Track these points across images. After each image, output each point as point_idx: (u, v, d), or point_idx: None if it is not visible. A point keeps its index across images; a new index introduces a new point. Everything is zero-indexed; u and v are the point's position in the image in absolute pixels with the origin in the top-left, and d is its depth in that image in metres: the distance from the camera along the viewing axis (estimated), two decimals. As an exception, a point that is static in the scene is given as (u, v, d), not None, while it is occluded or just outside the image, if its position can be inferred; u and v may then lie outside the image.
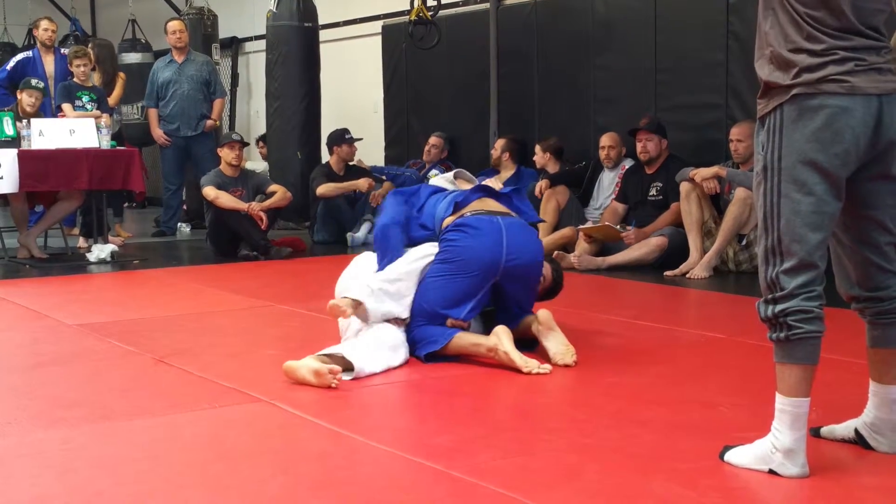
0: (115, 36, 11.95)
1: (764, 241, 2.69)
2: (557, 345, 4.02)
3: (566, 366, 3.94)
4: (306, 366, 3.71)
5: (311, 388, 3.74)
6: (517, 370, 3.85)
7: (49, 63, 9.37)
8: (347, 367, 3.78)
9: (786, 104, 2.62)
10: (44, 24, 9.53)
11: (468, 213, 4.20)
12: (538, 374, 3.84)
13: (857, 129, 2.60)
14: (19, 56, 9.70)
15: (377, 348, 3.94)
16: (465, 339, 4.06)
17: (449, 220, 4.22)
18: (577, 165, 7.83)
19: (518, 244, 4.12)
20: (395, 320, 4.12)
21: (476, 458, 2.89)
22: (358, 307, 3.98)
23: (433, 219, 4.33)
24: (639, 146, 7.08)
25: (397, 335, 4.05)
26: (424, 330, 4.09)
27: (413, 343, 4.10)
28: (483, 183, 4.54)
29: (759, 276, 2.72)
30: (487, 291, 4.17)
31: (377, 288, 4.04)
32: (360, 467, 2.88)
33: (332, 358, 3.79)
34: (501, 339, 3.92)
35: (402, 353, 4.02)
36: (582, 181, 7.74)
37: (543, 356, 4.01)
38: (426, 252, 4.18)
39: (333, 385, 3.64)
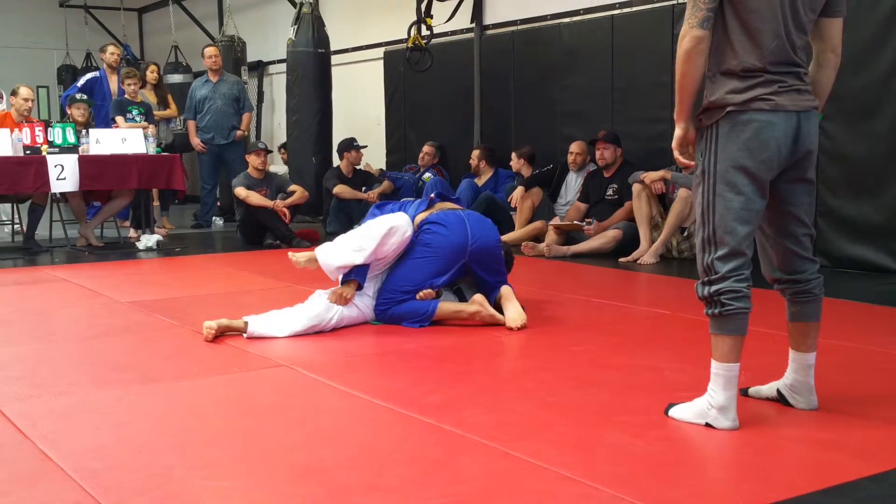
0: (159, 59, 11.93)
1: (701, 232, 2.69)
2: (512, 311, 4.24)
3: (517, 328, 4.15)
4: (206, 325, 4.01)
5: (326, 354, 3.74)
6: (500, 324, 4.18)
7: (113, 82, 9.47)
8: (244, 329, 4.04)
9: (721, 120, 2.63)
10: (110, 49, 9.66)
11: (436, 211, 4.42)
12: (515, 329, 4.14)
13: (779, 139, 2.61)
14: (88, 75, 9.84)
15: (280, 320, 4.09)
16: (447, 309, 4.28)
17: (421, 217, 4.39)
18: (545, 168, 7.84)
19: (478, 229, 4.38)
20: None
21: (461, 413, 2.90)
22: (312, 261, 4.21)
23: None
24: (597, 154, 7.11)
25: (311, 314, 4.12)
26: (406, 307, 4.26)
27: (396, 318, 4.27)
28: (438, 193, 4.89)
29: (697, 262, 2.73)
30: (460, 268, 4.34)
31: (334, 247, 4.19)
32: (365, 421, 2.89)
33: (233, 326, 4.05)
34: (484, 304, 4.24)
35: (303, 325, 4.09)
36: (551, 181, 7.76)
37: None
38: (388, 226, 4.19)
39: (207, 337, 3.97)
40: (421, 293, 4.25)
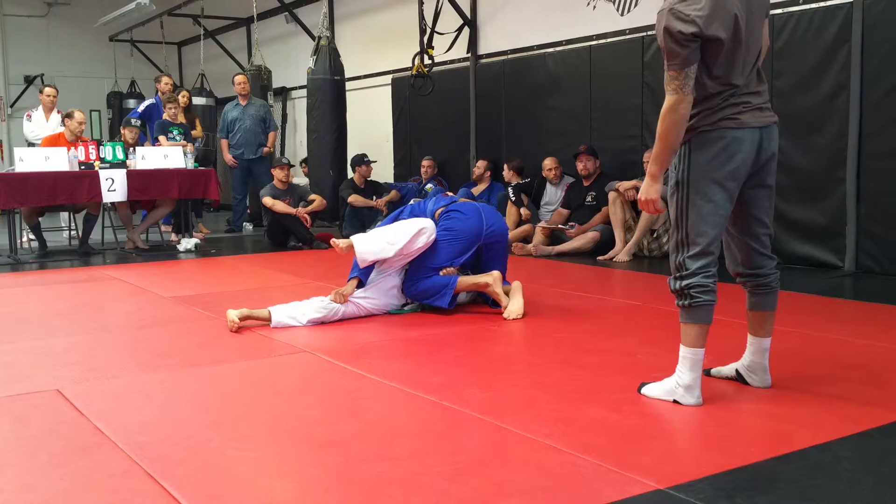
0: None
1: (675, 235, 2.69)
2: (514, 304, 4.24)
3: (511, 319, 4.15)
4: (229, 315, 4.00)
5: (342, 342, 3.73)
6: (499, 304, 4.24)
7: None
8: (268, 318, 4.05)
9: (693, 137, 2.63)
10: (165, 79, 9.79)
11: (458, 202, 4.50)
12: (508, 318, 4.15)
13: (745, 152, 2.62)
14: (147, 101, 9.96)
15: (294, 311, 4.09)
16: (466, 281, 4.34)
17: (441, 210, 4.44)
18: (524, 181, 7.81)
19: (492, 218, 4.48)
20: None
21: (461, 392, 2.89)
22: (351, 248, 4.20)
23: (427, 214, 4.53)
24: (580, 165, 7.11)
25: (315, 307, 4.12)
26: (432, 281, 4.28)
27: (424, 293, 4.28)
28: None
29: (669, 260, 2.72)
30: (475, 251, 4.41)
31: (370, 238, 4.24)
32: (377, 399, 2.88)
33: (254, 315, 4.05)
34: (496, 280, 4.30)
35: (315, 314, 4.11)
36: (531, 191, 7.74)
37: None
38: (418, 227, 4.27)
39: (231, 327, 3.95)
40: (444, 271, 4.30)
